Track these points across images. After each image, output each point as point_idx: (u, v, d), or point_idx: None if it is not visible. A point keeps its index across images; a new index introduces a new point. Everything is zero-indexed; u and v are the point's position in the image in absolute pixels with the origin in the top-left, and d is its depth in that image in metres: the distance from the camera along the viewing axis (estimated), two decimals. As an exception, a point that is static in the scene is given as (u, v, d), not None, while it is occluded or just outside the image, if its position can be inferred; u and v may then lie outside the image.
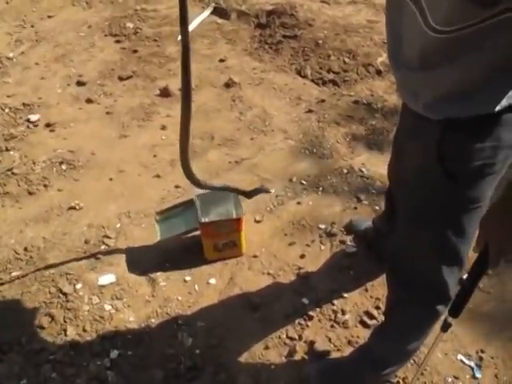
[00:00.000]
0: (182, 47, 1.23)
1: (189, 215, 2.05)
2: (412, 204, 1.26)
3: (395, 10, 1.07)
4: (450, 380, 1.66)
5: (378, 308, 1.86)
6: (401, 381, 1.65)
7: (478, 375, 1.67)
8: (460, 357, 1.72)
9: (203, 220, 1.94)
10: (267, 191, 2.02)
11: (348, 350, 1.73)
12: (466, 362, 1.71)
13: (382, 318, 1.81)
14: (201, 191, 1.96)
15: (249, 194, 1.93)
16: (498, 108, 1.00)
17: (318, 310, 1.86)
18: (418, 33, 0.98)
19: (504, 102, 0.99)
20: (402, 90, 1.20)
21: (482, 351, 1.74)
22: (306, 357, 1.72)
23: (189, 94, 1.33)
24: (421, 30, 0.96)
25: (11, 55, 3.53)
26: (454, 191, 1.12)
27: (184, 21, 1.20)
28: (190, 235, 2.08)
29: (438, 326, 1.48)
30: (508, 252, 1.06)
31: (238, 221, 1.97)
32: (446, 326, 1.33)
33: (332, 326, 1.81)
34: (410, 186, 1.26)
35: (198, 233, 2.03)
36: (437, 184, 1.13)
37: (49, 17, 4.02)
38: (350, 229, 2.15)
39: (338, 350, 1.75)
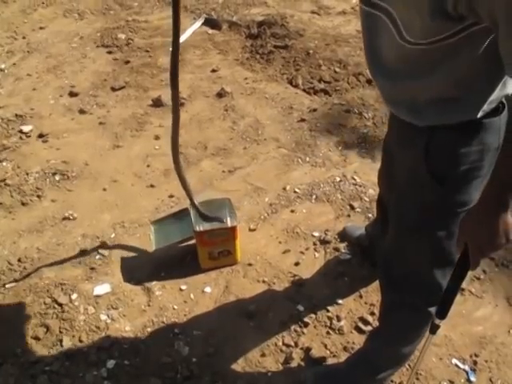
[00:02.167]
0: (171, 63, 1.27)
1: (184, 224, 2.06)
2: (403, 209, 1.28)
3: (370, 24, 1.09)
4: (444, 384, 1.68)
5: (372, 314, 1.88)
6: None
7: (473, 379, 1.69)
8: (454, 361, 1.74)
9: (198, 229, 1.95)
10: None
11: (344, 356, 1.74)
12: (461, 366, 1.73)
13: (376, 323, 1.83)
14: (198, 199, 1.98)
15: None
16: (480, 114, 1.03)
17: (313, 316, 1.87)
18: (394, 45, 1.01)
19: (485, 108, 1.03)
20: (385, 99, 1.23)
21: (476, 355, 1.76)
22: (302, 363, 1.73)
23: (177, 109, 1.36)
24: (397, 43, 0.99)
25: (3, 66, 3.53)
26: (443, 195, 1.15)
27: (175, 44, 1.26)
28: (185, 244, 2.09)
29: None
30: (487, 252, 1.06)
31: (233, 229, 1.98)
32: (433, 328, 1.35)
33: (327, 333, 1.82)
34: (400, 191, 1.29)
35: (193, 241, 2.04)
36: (426, 189, 1.16)
37: (41, 28, 4.03)
38: (343, 236, 2.17)
39: (334, 356, 1.76)
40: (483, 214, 1.00)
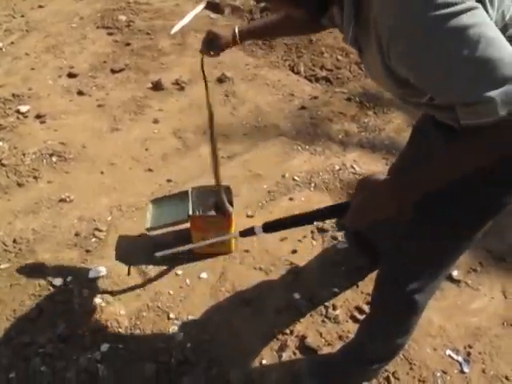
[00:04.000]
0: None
1: (181, 207, 2.04)
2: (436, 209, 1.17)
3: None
4: (438, 374, 1.68)
5: (368, 303, 1.86)
6: (390, 375, 1.66)
7: (466, 370, 1.69)
8: (448, 352, 1.74)
9: (193, 213, 1.93)
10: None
11: (339, 345, 1.74)
12: (454, 356, 1.73)
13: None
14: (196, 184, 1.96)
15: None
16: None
17: (309, 305, 1.87)
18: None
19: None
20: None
21: (470, 346, 1.76)
22: (297, 351, 1.73)
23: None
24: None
25: (0, 45, 3.49)
26: (494, 197, 1.10)
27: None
28: (182, 228, 2.07)
29: (422, 321, 1.51)
30: (358, 221, 1.09)
31: (228, 218, 1.96)
32: (247, 232, 1.33)
33: (323, 321, 1.82)
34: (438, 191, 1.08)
35: (188, 225, 2.02)
36: (476, 190, 1.08)
37: (40, 7, 3.97)
38: (341, 225, 2.16)
39: (329, 344, 1.75)
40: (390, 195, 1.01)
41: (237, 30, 1.54)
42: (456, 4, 0.78)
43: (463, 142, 0.91)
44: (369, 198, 1.05)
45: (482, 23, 0.80)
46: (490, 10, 0.86)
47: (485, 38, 0.79)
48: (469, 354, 1.74)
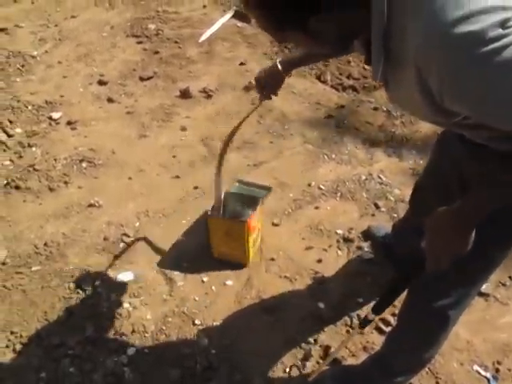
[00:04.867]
0: None
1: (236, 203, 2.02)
2: None
3: None
4: (465, 390, 1.65)
5: (393, 315, 1.85)
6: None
7: (495, 387, 1.66)
8: (476, 367, 1.71)
9: (210, 213, 1.93)
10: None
11: (363, 356, 1.73)
12: (483, 373, 1.70)
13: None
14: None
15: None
16: None
17: (333, 314, 1.86)
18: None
19: None
20: None
21: (499, 363, 1.72)
22: (320, 361, 1.72)
23: None
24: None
25: (35, 53, 3.59)
26: None
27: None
28: (207, 237, 2.10)
29: (451, 335, 1.48)
30: (443, 264, 1.05)
31: (244, 224, 1.89)
32: (365, 323, 1.41)
33: (347, 332, 1.81)
34: None
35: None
36: None
37: (72, 17, 4.08)
38: (367, 235, 2.15)
39: (353, 355, 1.75)
40: (461, 224, 0.98)
41: (280, 66, 1.56)
42: (507, 35, 0.73)
43: None
44: (436, 241, 1.04)
45: None
46: None
47: None
48: (497, 370, 1.71)
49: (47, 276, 2.02)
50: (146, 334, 1.81)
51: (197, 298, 1.93)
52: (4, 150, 2.70)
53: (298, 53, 1.60)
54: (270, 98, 1.68)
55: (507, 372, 1.70)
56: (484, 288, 1.93)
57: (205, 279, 2.00)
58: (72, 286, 1.98)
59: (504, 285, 1.97)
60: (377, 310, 1.37)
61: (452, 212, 0.98)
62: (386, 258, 2.04)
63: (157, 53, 3.55)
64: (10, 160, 2.64)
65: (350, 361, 1.73)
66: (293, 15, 0.86)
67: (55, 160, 2.64)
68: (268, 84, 1.62)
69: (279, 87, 1.64)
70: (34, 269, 2.06)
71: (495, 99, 0.78)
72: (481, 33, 0.73)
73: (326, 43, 0.95)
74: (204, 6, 4.16)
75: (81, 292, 1.95)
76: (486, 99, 0.79)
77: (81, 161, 2.63)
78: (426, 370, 1.68)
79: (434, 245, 1.05)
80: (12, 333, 1.81)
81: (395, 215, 2.25)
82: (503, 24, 0.73)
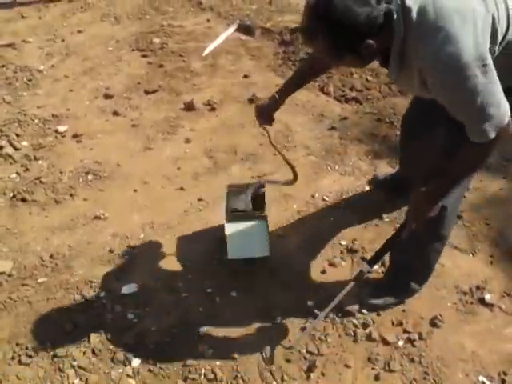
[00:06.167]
0: None
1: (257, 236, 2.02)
2: None
3: None
4: (471, 401, 1.64)
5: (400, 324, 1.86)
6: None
7: (501, 398, 1.65)
8: (481, 378, 1.70)
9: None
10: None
11: (367, 367, 1.72)
12: (488, 383, 1.69)
13: (403, 336, 1.82)
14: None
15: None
16: None
17: (338, 325, 1.86)
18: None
19: None
20: None
21: (505, 373, 1.71)
22: (325, 371, 1.72)
23: None
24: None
25: (42, 68, 3.65)
26: None
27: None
28: (211, 247, 2.11)
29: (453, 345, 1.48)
30: (418, 225, 1.57)
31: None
32: (360, 275, 1.68)
33: (354, 342, 1.81)
34: None
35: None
36: None
37: (79, 32, 4.14)
38: (373, 180, 2.45)
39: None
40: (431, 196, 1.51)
41: (277, 96, 1.85)
42: (487, 64, 1.24)
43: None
44: (416, 211, 1.58)
45: (496, 81, 1.26)
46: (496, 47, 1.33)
47: (494, 97, 1.27)
48: (503, 381, 1.70)
49: (53, 288, 2.04)
50: (151, 346, 1.81)
51: (201, 309, 1.94)
52: (10, 163, 2.74)
53: (290, 80, 1.88)
54: (270, 124, 1.95)
55: (513, 383, 1.69)
56: (488, 298, 1.93)
57: (209, 290, 2.01)
58: (77, 297, 1.99)
59: (509, 295, 1.96)
60: (371, 263, 1.68)
61: (425, 193, 1.50)
62: (388, 197, 2.34)
63: (161, 66, 3.59)
64: (17, 173, 2.67)
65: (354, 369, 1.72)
66: (349, 42, 1.26)
67: (61, 173, 2.67)
68: (265, 112, 1.90)
69: (273, 115, 1.91)
70: (39, 280, 2.08)
71: (458, 102, 1.32)
72: (460, 65, 1.22)
73: (370, 61, 1.38)
74: (208, 20, 4.21)
75: (86, 303, 1.96)
76: (454, 101, 1.33)
77: (86, 173, 2.66)
78: (431, 380, 1.68)
79: (414, 212, 1.58)
80: (18, 344, 1.82)
81: (398, 225, 2.24)
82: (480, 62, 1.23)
